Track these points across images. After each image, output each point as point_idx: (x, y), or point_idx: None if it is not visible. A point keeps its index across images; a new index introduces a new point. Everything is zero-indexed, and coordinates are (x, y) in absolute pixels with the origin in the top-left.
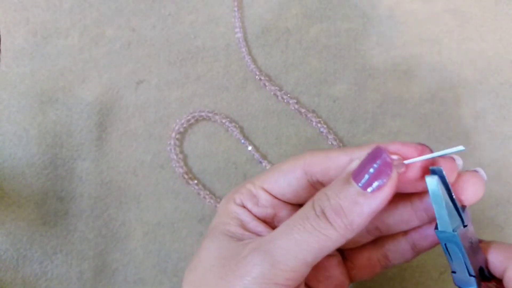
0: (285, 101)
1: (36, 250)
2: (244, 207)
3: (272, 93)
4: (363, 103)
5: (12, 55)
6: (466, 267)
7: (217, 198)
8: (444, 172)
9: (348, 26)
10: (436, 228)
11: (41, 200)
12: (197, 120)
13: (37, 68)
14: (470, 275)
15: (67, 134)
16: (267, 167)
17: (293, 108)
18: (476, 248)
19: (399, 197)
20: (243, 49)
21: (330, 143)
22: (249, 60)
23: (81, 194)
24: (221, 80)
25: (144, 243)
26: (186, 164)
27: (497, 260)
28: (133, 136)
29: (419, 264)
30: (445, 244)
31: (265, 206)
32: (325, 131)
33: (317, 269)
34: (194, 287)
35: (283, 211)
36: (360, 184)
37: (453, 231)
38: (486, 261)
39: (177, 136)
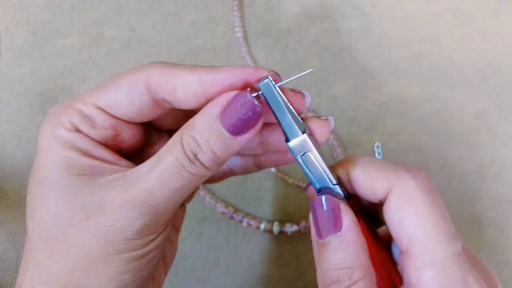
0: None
1: None
2: (78, 131)
3: None
4: (363, 103)
5: (12, 55)
6: (326, 175)
7: (217, 198)
8: (271, 79)
9: (348, 26)
10: (287, 140)
11: None
12: None
13: (37, 68)
14: (333, 184)
15: None
16: None
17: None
18: (324, 159)
19: None
20: (243, 49)
21: (330, 143)
22: (249, 60)
23: None
24: None
25: None
26: None
27: (344, 175)
28: None
29: None
30: (303, 161)
31: (104, 128)
32: None
33: None
34: (50, 240)
35: (125, 130)
36: (229, 131)
37: (302, 133)
38: (339, 179)
39: None
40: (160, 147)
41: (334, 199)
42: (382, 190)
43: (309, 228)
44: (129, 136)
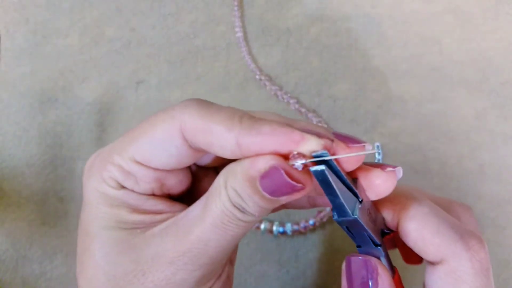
0: (285, 101)
1: (35, 251)
2: (123, 187)
3: (272, 93)
4: (364, 103)
5: (12, 55)
6: (371, 240)
7: None
8: (328, 154)
9: (348, 26)
10: (335, 215)
11: (41, 200)
12: None
13: (37, 68)
14: (376, 245)
15: (67, 134)
16: None
17: (293, 108)
18: (374, 214)
19: None
20: (243, 49)
21: None
22: (249, 60)
23: (81, 194)
24: (221, 80)
25: None
26: None
27: (388, 216)
28: None
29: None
30: (346, 227)
31: (147, 182)
32: None
33: None
34: None
35: (170, 179)
36: (270, 194)
37: (352, 214)
38: (383, 220)
39: None
40: (208, 183)
41: (373, 261)
42: (432, 256)
43: (309, 228)
44: (175, 183)
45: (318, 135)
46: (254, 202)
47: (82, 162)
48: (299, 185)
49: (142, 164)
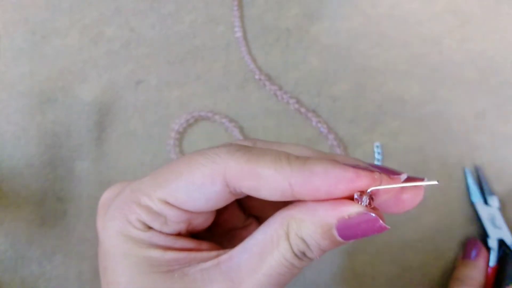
0: (285, 100)
1: (35, 251)
2: (150, 229)
3: (272, 92)
4: (363, 103)
5: (11, 55)
6: None
7: None
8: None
9: (348, 26)
10: None
11: (40, 200)
12: (196, 120)
13: (36, 68)
14: None
15: (66, 134)
16: None
17: (293, 108)
18: None
19: None
20: (243, 49)
21: (330, 143)
22: (249, 60)
23: (80, 194)
24: (220, 80)
25: None
26: None
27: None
28: (133, 136)
29: (420, 265)
30: None
31: (177, 222)
32: (325, 131)
33: None
34: None
35: (199, 218)
36: (344, 238)
37: None
38: None
39: (176, 136)
40: (228, 214)
41: None
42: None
43: None
44: (202, 222)
45: (365, 170)
46: (319, 248)
47: (81, 162)
48: (384, 225)
49: (174, 206)
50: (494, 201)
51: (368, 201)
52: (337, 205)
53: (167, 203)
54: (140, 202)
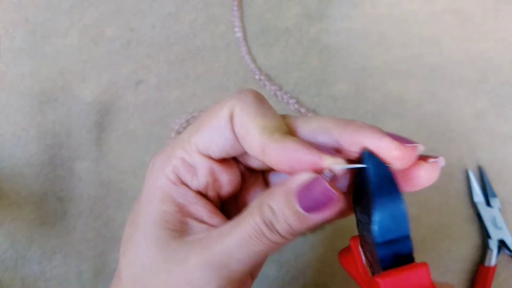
0: (285, 100)
1: (35, 251)
2: (182, 183)
3: (272, 92)
4: (363, 103)
5: (11, 55)
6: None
7: None
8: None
9: (348, 26)
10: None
11: (40, 200)
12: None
13: (36, 68)
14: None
15: (66, 134)
16: None
17: (293, 108)
18: None
19: None
20: (243, 49)
21: None
22: (249, 60)
23: (80, 194)
24: (220, 79)
25: None
26: None
27: None
28: (133, 136)
29: None
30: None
31: (206, 175)
32: None
33: None
34: (137, 283)
35: (223, 175)
36: (304, 209)
37: None
38: None
39: (176, 136)
40: (254, 192)
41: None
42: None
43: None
44: (227, 181)
45: (329, 153)
46: (284, 219)
47: (81, 162)
48: (337, 194)
49: (202, 154)
50: (496, 203)
51: (331, 176)
52: (300, 174)
53: (199, 152)
54: (177, 155)
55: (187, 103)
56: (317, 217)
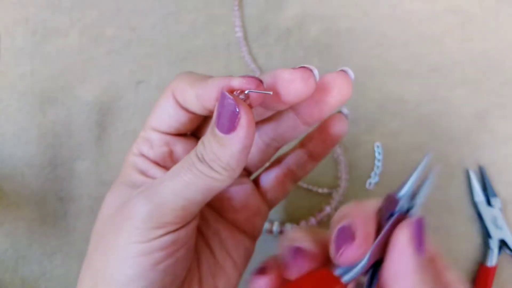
0: None
1: (35, 250)
2: (142, 155)
3: None
4: (363, 103)
5: (12, 55)
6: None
7: None
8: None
9: (348, 26)
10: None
11: (40, 200)
12: None
13: (36, 68)
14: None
15: (66, 134)
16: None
17: None
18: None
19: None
20: (243, 49)
21: None
22: (249, 60)
23: (81, 194)
24: None
25: None
26: None
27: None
28: (133, 136)
29: None
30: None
31: (159, 146)
32: None
33: (232, 199)
34: (97, 237)
35: (178, 146)
36: (221, 130)
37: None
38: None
39: None
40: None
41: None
42: None
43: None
44: (182, 151)
45: (238, 78)
46: (210, 147)
47: (81, 162)
48: (242, 107)
49: (155, 130)
50: (496, 202)
51: (244, 97)
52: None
53: (152, 128)
54: (140, 135)
55: None
56: (234, 140)
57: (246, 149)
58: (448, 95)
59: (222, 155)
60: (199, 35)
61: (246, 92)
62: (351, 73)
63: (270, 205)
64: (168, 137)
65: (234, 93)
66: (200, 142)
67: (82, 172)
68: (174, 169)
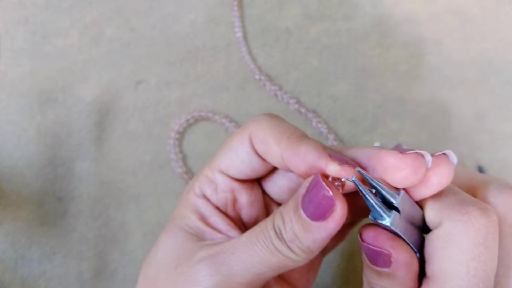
0: (285, 101)
1: (35, 251)
2: (204, 196)
3: (272, 93)
4: (363, 103)
5: (11, 55)
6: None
7: None
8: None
9: (348, 26)
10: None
11: (40, 200)
12: (196, 120)
13: (36, 68)
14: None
15: (66, 134)
16: None
17: (293, 108)
18: (419, 219)
19: None
20: (243, 49)
21: (330, 143)
22: (249, 60)
23: (80, 194)
24: (221, 80)
25: (143, 244)
26: (185, 164)
27: (431, 217)
28: (133, 136)
29: None
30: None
31: (224, 191)
32: (325, 131)
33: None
34: (148, 283)
35: (242, 195)
36: (308, 215)
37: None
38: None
39: (176, 136)
40: None
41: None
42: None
43: None
44: (246, 202)
45: (338, 160)
46: (291, 227)
47: (81, 162)
48: (337, 200)
49: (223, 173)
50: None
51: (340, 185)
52: (307, 179)
53: (219, 171)
54: (203, 173)
55: (187, 103)
56: (321, 228)
57: (330, 236)
58: (447, 95)
59: (304, 239)
60: (198, 35)
61: (342, 180)
62: (453, 158)
63: (324, 254)
64: (235, 183)
65: (329, 178)
66: (278, 214)
67: (82, 172)
68: (248, 238)
